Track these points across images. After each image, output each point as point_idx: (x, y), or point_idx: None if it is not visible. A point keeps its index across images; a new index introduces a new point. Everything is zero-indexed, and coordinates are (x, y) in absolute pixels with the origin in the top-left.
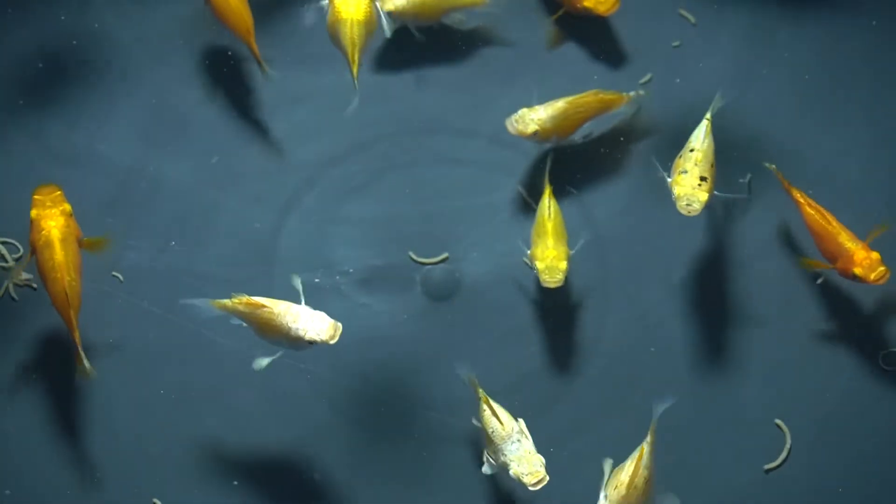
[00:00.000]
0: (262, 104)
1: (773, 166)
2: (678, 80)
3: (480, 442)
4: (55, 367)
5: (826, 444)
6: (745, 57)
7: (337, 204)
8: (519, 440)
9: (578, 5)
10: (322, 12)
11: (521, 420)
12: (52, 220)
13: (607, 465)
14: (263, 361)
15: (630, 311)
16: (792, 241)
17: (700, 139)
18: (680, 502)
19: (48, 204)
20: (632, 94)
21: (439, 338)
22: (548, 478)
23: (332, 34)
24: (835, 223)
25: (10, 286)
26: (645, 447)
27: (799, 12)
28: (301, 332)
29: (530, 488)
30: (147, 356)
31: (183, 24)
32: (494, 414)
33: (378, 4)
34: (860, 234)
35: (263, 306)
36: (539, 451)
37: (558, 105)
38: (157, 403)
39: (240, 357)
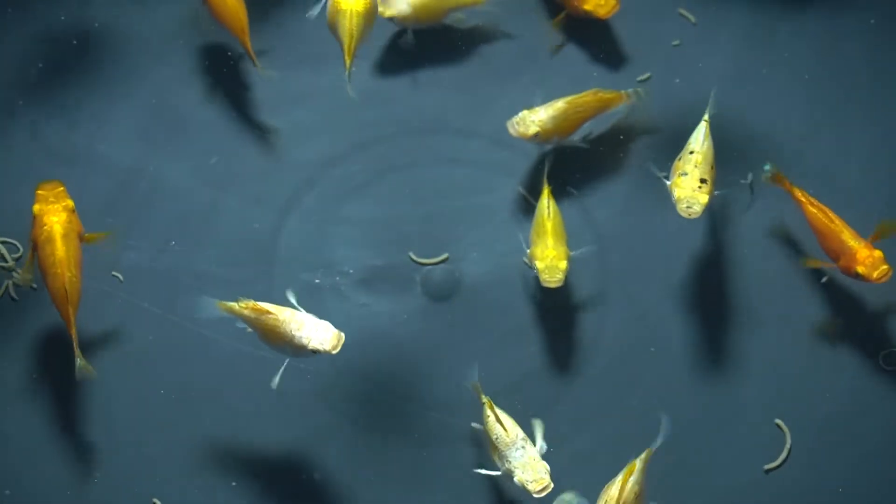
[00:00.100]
0: (261, 104)
1: (774, 167)
2: (678, 80)
3: (480, 443)
4: (55, 368)
5: (826, 444)
6: (745, 57)
7: (337, 204)
8: (523, 447)
9: (579, 8)
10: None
11: (537, 421)
12: (55, 215)
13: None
14: (277, 378)
15: (630, 311)
16: (792, 240)
17: (699, 141)
18: None
19: (51, 199)
20: (630, 91)
21: (439, 338)
22: (552, 485)
23: (331, 25)
24: (837, 221)
25: (10, 286)
26: (637, 463)
27: (799, 12)
28: (304, 341)
29: (535, 495)
30: (147, 356)
31: (183, 24)
32: (499, 420)
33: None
34: (860, 234)
35: (269, 312)
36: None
37: (558, 105)
38: (157, 403)
39: (240, 357)
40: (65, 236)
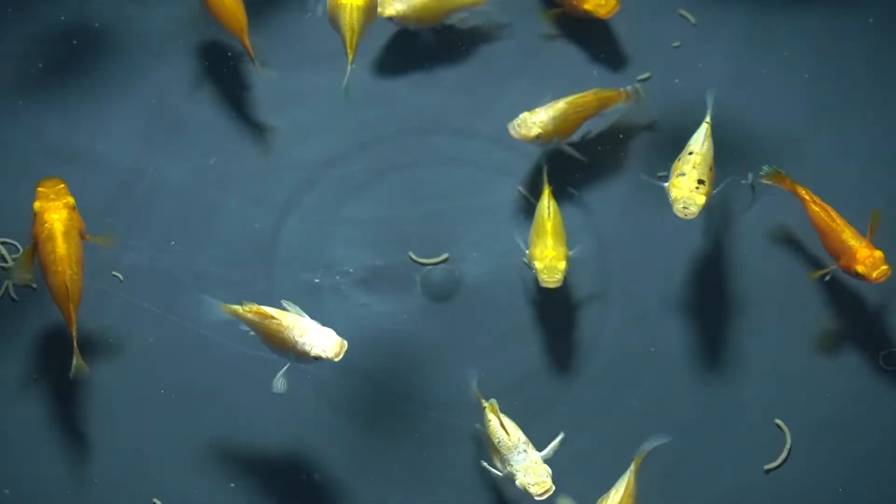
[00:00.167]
0: (261, 104)
1: (776, 167)
2: (677, 81)
3: (482, 443)
4: (55, 367)
5: (826, 444)
6: (745, 57)
7: (337, 204)
8: (525, 450)
9: (579, 8)
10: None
11: (562, 435)
12: (55, 212)
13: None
14: (279, 382)
15: (630, 311)
16: (793, 241)
17: (699, 143)
18: None
19: (51, 196)
20: (629, 89)
21: (439, 338)
22: (554, 488)
23: (331, 19)
24: (839, 220)
25: (10, 286)
26: (630, 478)
27: (798, 11)
28: (307, 347)
29: (536, 498)
30: (147, 356)
31: (183, 24)
32: (501, 424)
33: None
34: (860, 233)
35: (273, 317)
36: (538, 450)
37: (558, 106)
38: (157, 403)
39: (240, 357)
40: (65, 234)
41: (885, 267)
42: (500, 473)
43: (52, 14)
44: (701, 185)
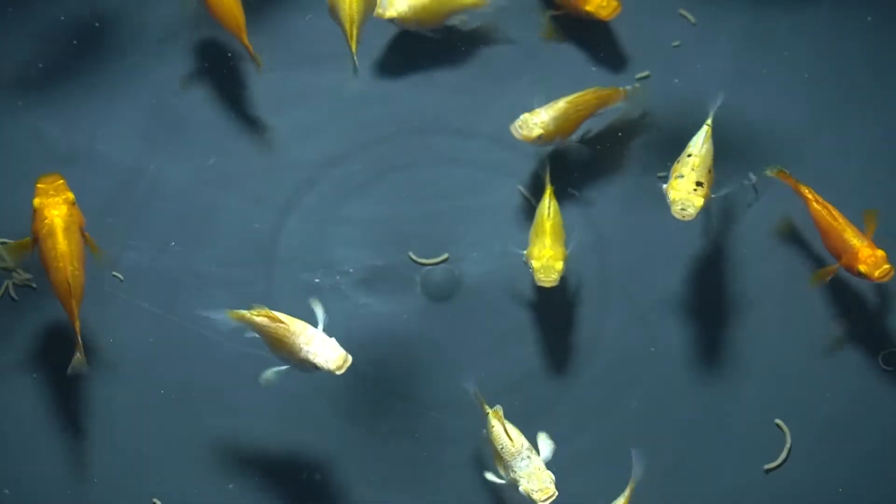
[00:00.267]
0: (262, 104)
1: (778, 167)
2: (677, 81)
3: (485, 449)
4: (55, 367)
5: (826, 444)
6: (745, 57)
7: (337, 204)
8: (528, 456)
9: (580, 9)
10: None
11: (542, 435)
12: (55, 208)
13: None
14: (269, 376)
15: (630, 311)
16: (793, 241)
17: (698, 145)
18: None
19: (51, 192)
20: (628, 87)
21: (439, 338)
22: (557, 493)
23: (331, 10)
24: (841, 220)
25: (10, 286)
26: (622, 501)
27: (798, 11)
28: (311, 356)
29: None
30: (147, 356)
31: (183, 24)
32: (505, 431)
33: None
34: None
35: (282, 322)
36: (538, 449)
37: (559, 105)
38: (157, 403)
39: (240, 357)
40: (66, 230)
41: (887, 266)
42: (503, 482)
43: (52, 14)
44: (699, 188)
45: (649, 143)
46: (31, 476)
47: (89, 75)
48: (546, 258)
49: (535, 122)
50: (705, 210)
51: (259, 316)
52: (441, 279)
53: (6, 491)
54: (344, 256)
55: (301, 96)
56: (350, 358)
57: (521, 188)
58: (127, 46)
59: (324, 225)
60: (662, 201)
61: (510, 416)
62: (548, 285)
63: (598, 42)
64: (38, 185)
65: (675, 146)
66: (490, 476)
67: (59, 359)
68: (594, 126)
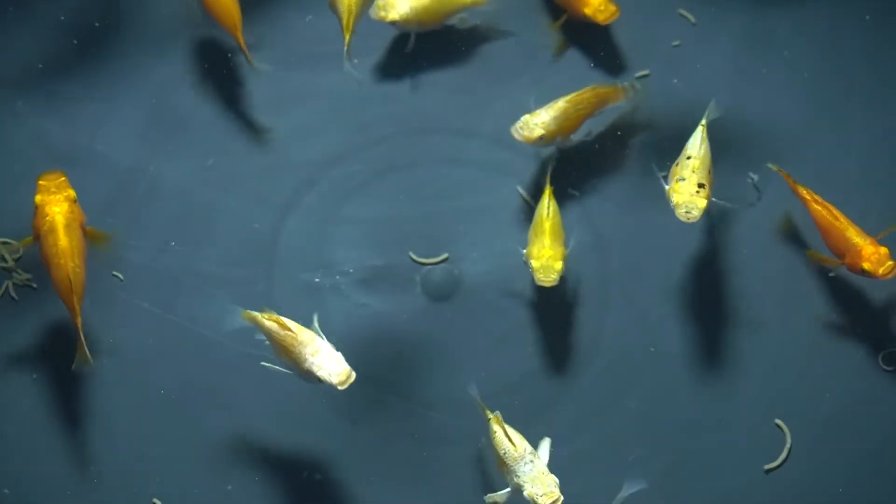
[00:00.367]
0: (262, 104)
1: (777, 167)
2: (677, 81)
3: (486, 462)
4: (55, 367)
5: (826, 444)
6: (744, 56)
7: (337, 204)
8: (532, 461)
9: (579, 13)
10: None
11: (547, 440)
12: (57, 205)
13: None
14: (271, 367)
15: (629, 311)
16: (792, 241)
17: (696, 146)
18: None
19: (53, 190)
20: (627, 85)
21: (439, 338)
22: (562, 498)
23: (331, 2)
24: (842, 219)
25: (10, 286)
26: None
27: (798, 11)
28: (315, 368)
29: None
30: (147, 356)
31: (183, 24)
32: (507, 435)
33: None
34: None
35: (290, 330)
36: (538, 450)
37: (559, 105)
38: (157, 403)
39: (239, 357)
40: (67, 226)
41: (891, 263)
42: (506, 491)
43: (52, 14)
44: (701, 189)
45: (649, 142)
46: (31, 476)
47: (89, 75)
48: (545, 258)
49: (536, 122)
50: (705, 210)
51: (269, 320)
52: (441, 279)
53: (6, 491)
54: (344, 256)
55: (301, 96)
56: (354, 374)
57: (520, 189)
58: (127, 46)
59: (324, 225)
60: (662, 201)
61: (510, 416)
62: (547, 285)
63: (598, 42)
64: (40, 183)
65: (675, 146)
66: (490, 499)
67: (59, 359)
68: (594, 126)
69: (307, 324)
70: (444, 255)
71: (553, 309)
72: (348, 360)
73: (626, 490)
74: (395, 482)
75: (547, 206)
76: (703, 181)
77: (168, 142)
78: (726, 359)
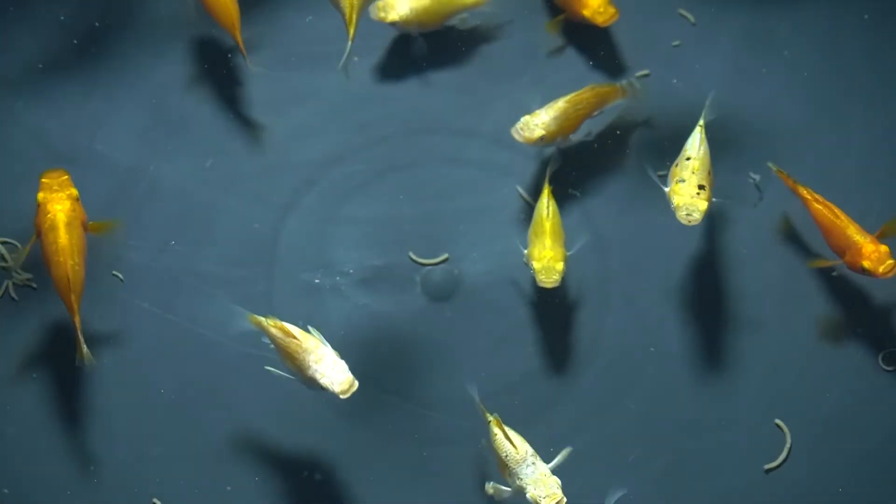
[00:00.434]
0: (261, 104)
1: (776, 167)
2: (677, 81)
3: (486, 463)
4: (54, 367)
5: (826, 444)
6: (744, 56)
7: (337, 204)
8: (533, 463)
9: (578, 14)
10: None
11: (569, 449)
12: (59, 203)
13: None
14: (274, 371)
15: (629, 311)
16: (794, 240)
17: (695, 147)
18: None
19: (55, 188)
20: (625, 84)
21: (439, 338)
22: (565, 499)
23: None
24: (843, 217)
25: (10, 286)
26: None
27: (798, 10)
28: (318, 375)
29: None
30: (147, 356)
31: (183, 25)
32: (507, 438)
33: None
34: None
35: (295, 337)
36: (539, 451)
37: (559, 105)
38: (157, 403)
39: (239, 357)
40: (68, 224)
41: (891, 261)
42: (507, 490)
43: (52, 14)
44: (702, 191)
45: (649, 142)
46: (31, 476)
47: (89, 75)
48: (547, 259)
49: (537, 123)
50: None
51: (274, 327)
52: (441, 279)
53: (5, 490)
54: (344, 256)
55: (301, 96)
56: (357, 383)
57: (520, 189)
58: (127, 46)
59: (324, 225)
60: (662, 201)
61: (510, 416)
62: (549, 286)
63: (597, 42)
64: (43, 181)
65: (674, 146)
66: (490, 489)
67: (59, 359)
68: (593, 126)
69: (308, 325)
70: (444, 256)
71: (553, 309)
72: (348, 360)
73: (611, 497)
74: (395, 482)
75: (546, 206)
76: (704, 182)
77: (168, 142)
78: (726, 359)
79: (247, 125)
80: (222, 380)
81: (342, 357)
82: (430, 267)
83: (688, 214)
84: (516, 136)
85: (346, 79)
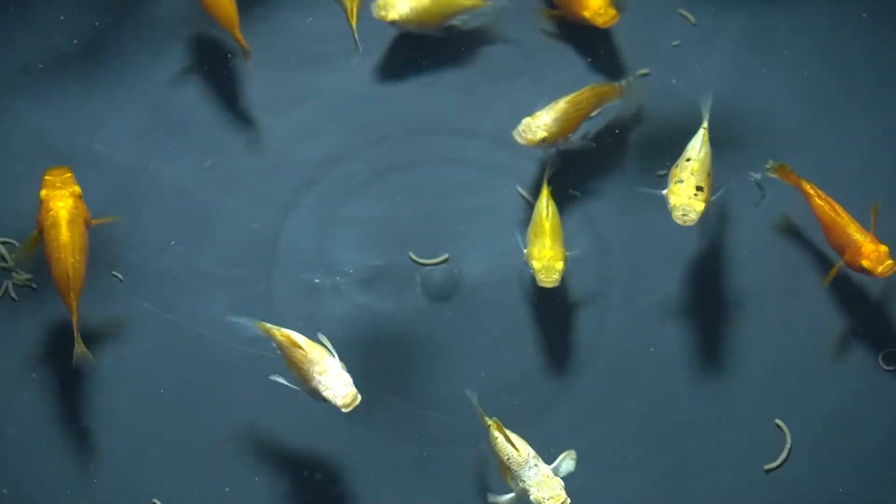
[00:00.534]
0: (262, 104)
1: (777, 163)
2: (677, 80)
3: (486, 465)
4: (54, 367)
5: (826, 444)
6: (744, 56)
7: (337, 204)
8: (536, 465)
9: (578, 15)
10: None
11: (572, 451)
12: (61, 200)
13: None
14: (280, 378)
15: (630, 310)
16: (792, 240)
17: (696, 148)
18: None
19: (58, 185)
20: (624, 83)
21: (439, 338)
22: (569, 500)
23: None
24: (844, 215)
25: (10, 286)
26: None
27: (798, 10)
28: (321, 387)
29: None
30: (147, 356)
31: (183, 24)
32: (509, 441)
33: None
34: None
35: (300, 347)
36: (539, 451)
37: (559, 106)
38: (157, 403)
39: (239, 357)
40: (70, 222)
41: (890, 261)
42: (511, 495)
43: (52, 14)
44: (699, 192)
45: (649, 143)
46: (31, 476)
47: (89, 75)
48: (547, 259)
49: (538, 125)
50: (704, 213)
51: (281, 336)
52: (441, 279)
53: (5, 490)
54: (344, 256)
55: (301, 96)
56: (359, 397)
57: (520, 189)
58: (127, 46)
59: (324, 225)
60: (662, 201)
61: (510, 416)
62: (549, 285)
63: (597, 42)
64: (46, 178)
65: (674, 146)
66: (492, 499)
67: (59, 359)
68: (593, 126)
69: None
70: (444, 256)
71: (553, 309)
72: (348, 360)
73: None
74: (395, 482)
75: (546, 206)
76: (702, 184)
77: (168, 142)
78: (726, 359)
79: (247, 125)
80: (222, 380)
81: (344, 360)
82: (430, 267)
83: (684, 215)
84: (518, 139)
85: (358, 51)
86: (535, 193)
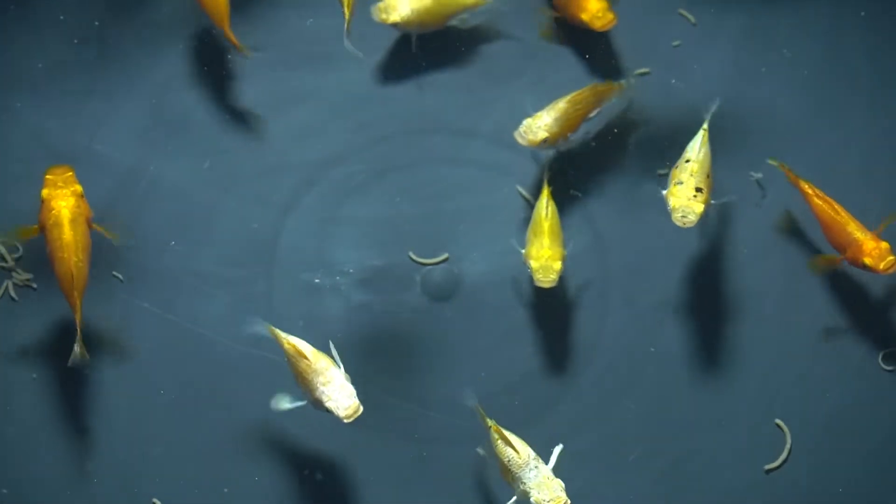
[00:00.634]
0: (262, 104)
1: (778, 162)
2: (676, 80)
3: (485, 466)
4: (55, 367)
5: (826, 444)
6: (744, 56)
7: (337, 204)
8: (536, 466)
9: (576, 17)
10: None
11: (561, 447)
12: (63, 200)
13: None
14: (283, 404)
15: (629, 310)
16: (792, 240)
17: (696, 150)
18: None
19: (59, 184)
20: (623, 82)
21: (439, 338)
22: (570, 501)
23: None
24: (843, 213)
25: (10, 286)
26: None
27: (798, 10)
28: (324, 398)
29: None
30: (147, 356)
31: (183, 24)
32: (508, 443)
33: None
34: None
35: (305, 358)
36: (539, 451)
37: (560, 106)
38: (157, 403)
39: (239, 357)
40: (72, 221)
41: (891, 258)
42: (513, 500)
43: (52, 14)
44: (699, 194)
45: (649, 143)
46: (31, 476)
47: (89, 75)
48: (544, 258)
49: (539, 125)
50: (703, 214)
51: (288, 345)
52: (441, 279)
53: (5, 490)
54: (344, 256)
55: (301, 96)
56: (361, 408)
57: (520, 189)
58: (127, 46)
59: (324, 225)
60: (662, 201)
61: (510, 416)
62: (546, 285)
63: (597, 42)
64: (48, 177)
65: (674, 146)
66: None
67: (59, 359)
68: (592, 126)
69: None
70: (444, 256)
71: (553, 309)
72: (348, 360)
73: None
74: (395, 482)
75: (545, 206)
76: (701, 185)
77: (168, 142)
78: (726, 359)
79: (246, 125)
80: (222, 380)
81: (344, 360)
82: (430, 267)
83: (683, 217)
84: (519, 140)
85: (359, 54)
86: (535, 193)
